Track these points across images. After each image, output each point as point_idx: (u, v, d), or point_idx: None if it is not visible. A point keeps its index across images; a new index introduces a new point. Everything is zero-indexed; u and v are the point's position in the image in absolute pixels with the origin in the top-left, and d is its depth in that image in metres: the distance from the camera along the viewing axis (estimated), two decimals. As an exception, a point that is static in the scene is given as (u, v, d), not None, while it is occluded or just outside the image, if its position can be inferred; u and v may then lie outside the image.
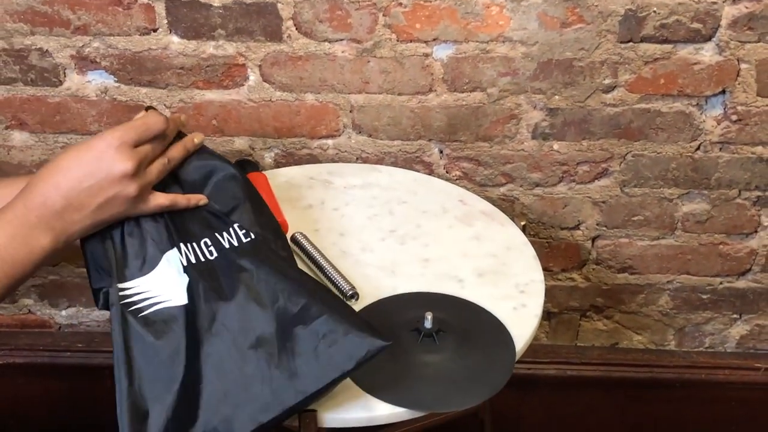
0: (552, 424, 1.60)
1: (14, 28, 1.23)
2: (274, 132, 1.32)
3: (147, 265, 0.90)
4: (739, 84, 1.25)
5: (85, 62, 1.26)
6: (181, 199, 0.94)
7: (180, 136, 0.97)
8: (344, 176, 1.26)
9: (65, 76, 1.28)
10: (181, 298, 0.88)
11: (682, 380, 1.53)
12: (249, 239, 0.94)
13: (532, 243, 1.13)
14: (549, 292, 1.47)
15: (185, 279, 0.89)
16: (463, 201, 1.21)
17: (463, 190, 1.25)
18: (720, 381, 1.53)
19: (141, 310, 0.87)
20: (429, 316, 0.94)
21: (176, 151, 0.95)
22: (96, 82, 1.28)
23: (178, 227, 0.93)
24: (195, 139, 0.97)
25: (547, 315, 1.51)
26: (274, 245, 0.97)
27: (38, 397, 1.58)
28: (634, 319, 1.51)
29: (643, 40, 1.22)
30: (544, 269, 1.11)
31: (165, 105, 1.29)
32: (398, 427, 0.96)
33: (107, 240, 0.91)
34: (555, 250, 1.43)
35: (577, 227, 1.40)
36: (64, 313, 1.54)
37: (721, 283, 1.46)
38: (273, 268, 0.91)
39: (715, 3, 1.19)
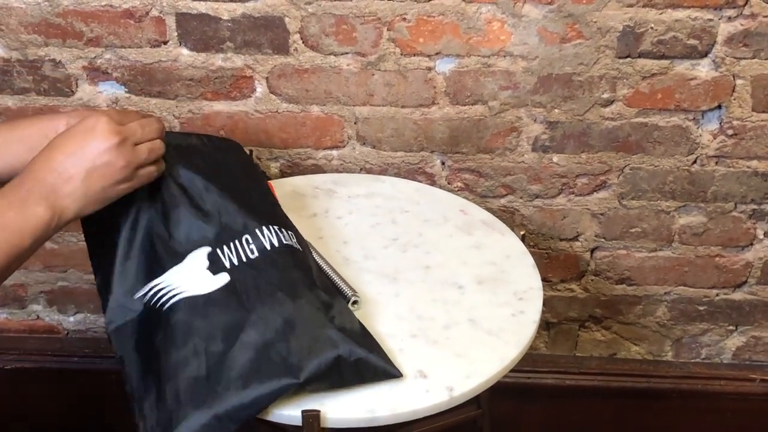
0: (550, 432, 1.62)
1: (28, 40, 1.27)
2: (280, 142, 1.35)
3: (171, 262, 0.95)
4: (734, 99, 1.28)
5: (96, 73, 1.29)
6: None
7: None
8: (348, 186, 1.29)
9: (77, 87, 1.31)
10: (202, 289, 0.93)
11: (678, 390, 1.55)
12: (288, 242, 0.99)
13: (532, 254, 1.16)
14: (548, 303, 1.49)
15: (223, 278, 0.94)
16: (464, 211, 1.24)
17: (464, 201, 1.27)
18: (716, 391, 1.54)
19: (165, 303, 0.92)
20: None
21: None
22: (107, 92, 1.31)
23: (218, 227, 0.98)
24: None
25: (546, 325, 1.53)
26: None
27: (46, 402, 1.59)
28: (632, 330, 1.53)
29: (640, 55, 1.25)
30: (544, 280, 1.13)
31: (174, 116, 1.32)
32: (400, 428, 0.98)
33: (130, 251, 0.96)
34: (554, 261, 1.45)
35: (575, 238, 1.43)
36: (72, 319, 1.56)
37: (717, 294, 1.48)
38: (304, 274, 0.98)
39: (711, 20, 1.22)
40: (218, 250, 0.96)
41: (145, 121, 0.95)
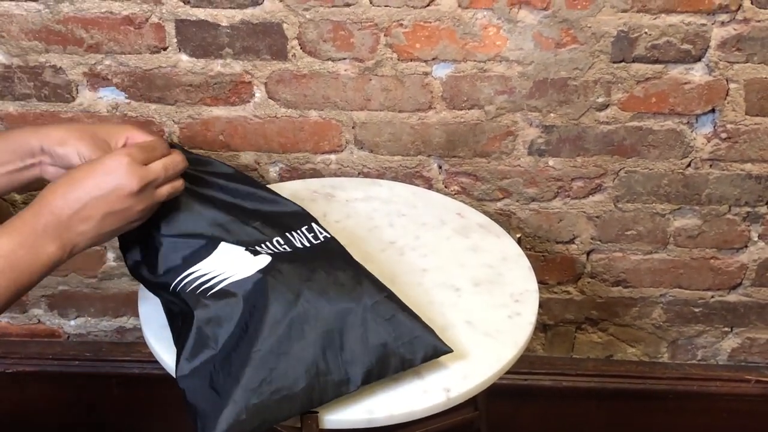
0: (548, 433, 1.63)
1: (29, 46, 1.28)
2: (278, 147, 1.36)
3: (204, 252, 0.96)
4: (728, 103, 1.29)
5: (97, 79, 1.31)
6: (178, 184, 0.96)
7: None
8: (346, 190, 1.30)
9: (78, 93, 1.32)
10: (246, 272, 0.93)
11: (675, 392, 1.56)
12: (319, 241, 1.02)
13: (528, 256, 1.17)
14: (545, 305, 1.50)
15: (264, 259, 0.95)
16: (461, 214, 1.25)
17: (461, 204, 1.28)
18: (712, 393, 1.55)
19: (208, 289, 0.93)
20: None
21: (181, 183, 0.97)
22: (107, 98, 1.32)
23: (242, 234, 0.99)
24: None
25: (543, 327, 1.54)
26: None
27: (47, 405, 1.60)
28: (628, 332, 1.54)
29: (635, 60, 1.26)
30: (540, 282, 1.13)
31: (174, 121, 1.33)
32: (397, 429, 0.99)
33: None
34: (550, 264, 1.46)
35: (571, 241, 1.44)
36: (72, 323, 1.56)
37: (712, 296, 1.49)
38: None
39: (704, 25, 1.23)
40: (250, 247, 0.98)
41: (169, 162, 0.93)
